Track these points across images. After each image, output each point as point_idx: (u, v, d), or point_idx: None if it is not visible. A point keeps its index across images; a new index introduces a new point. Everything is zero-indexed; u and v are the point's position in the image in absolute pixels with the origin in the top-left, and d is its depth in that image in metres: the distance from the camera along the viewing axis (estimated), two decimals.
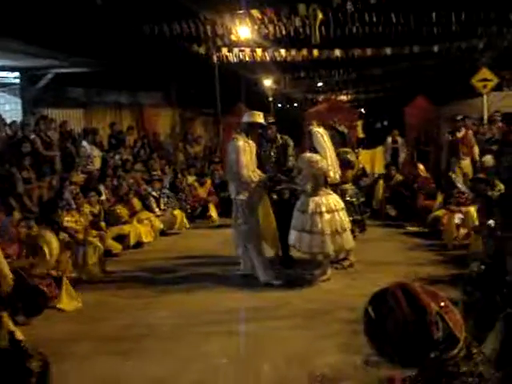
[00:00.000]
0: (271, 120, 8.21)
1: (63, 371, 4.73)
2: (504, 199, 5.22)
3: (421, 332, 1.97)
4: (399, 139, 15.25)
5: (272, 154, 8.07)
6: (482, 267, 5.09)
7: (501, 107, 14.84)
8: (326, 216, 6.99)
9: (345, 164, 7.97)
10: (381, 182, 12.53)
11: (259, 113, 7.51)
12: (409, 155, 14.69)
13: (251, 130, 7.40)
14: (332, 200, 7.13)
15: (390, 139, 15.31)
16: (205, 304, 6.50)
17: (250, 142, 7.31)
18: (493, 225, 5.41)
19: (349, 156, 8.10)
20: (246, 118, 7.44)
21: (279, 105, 38.30)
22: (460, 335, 1.99)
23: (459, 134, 11.82)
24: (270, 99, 32.83)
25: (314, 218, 6.98)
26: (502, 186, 7.95)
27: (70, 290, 6.76)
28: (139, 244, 10.05)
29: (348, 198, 8.01)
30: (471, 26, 15.52)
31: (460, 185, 9.34)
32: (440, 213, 9.66)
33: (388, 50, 17.90)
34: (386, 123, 27.06)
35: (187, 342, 5.34)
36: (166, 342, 5.36)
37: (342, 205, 7.24)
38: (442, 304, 2.05)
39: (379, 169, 15.29)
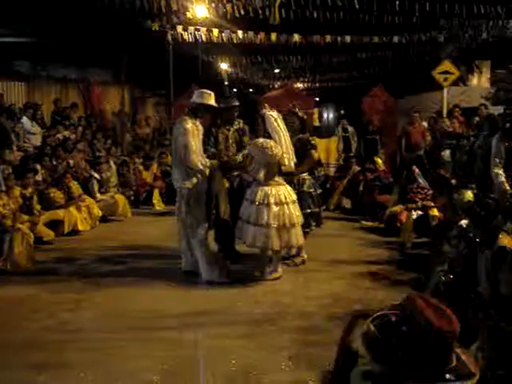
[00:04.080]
0: (236, 103, 7.54)
1: None
2: (478, 206, 4.68)
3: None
4: (349, 128, 14.91)
5: (230, 137, 7.42)
6: (451, 277, 4.59)
7: (460, 102, 14.60)
8: (274, 208, 6.38)
9: (313, 147, 7.44)
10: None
11: (211, 93, 6.78)
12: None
13: (201, 112, 6.70)
14: (283, 191, 6.52)
15: (340, 128, 15.02)
16: (140, 305, 5.79)
17: (198, 124, 6.63)
18: (465, 226, 4.88)
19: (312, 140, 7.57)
20: (197, 99, 6.70)
21: (235, 89, 37.57)
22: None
23: None
24: (226, 83, 32.10)
25: (260, 210, 6.38)
26: (469, 194, 7.43)
27: None
28: (75, 231, 9.26)
29: (305, 189, 7.43)
30: (433, 17, 15.19)
31: (421, 179, 8.88)
32: (397, 208, 9.20)
33: (348, 38, 17.47)
34: (342, 112, 26.86)
35: (115, 352, 4.62)
36: (91, 352, 4.62)
37: (294, 197, 6.63)
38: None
39: (334, 158, 14.95)
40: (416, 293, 2.00)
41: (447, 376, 1.75)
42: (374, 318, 1.93)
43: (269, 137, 6.52)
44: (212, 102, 6.73)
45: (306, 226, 7.01)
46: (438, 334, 1.73)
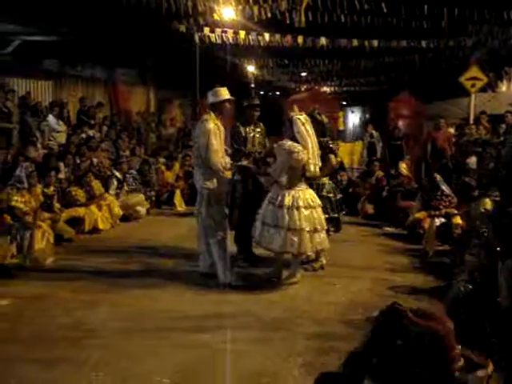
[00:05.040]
0: (255, 102, 7.50)
1: None
2: (500, 214, 4.57)
3: None
4: (374, 133, 14.80)
5: (257, 136, 7.39)
6: (470, 287, 4.47)
7: (487, 108, 14.37)
8: (305, 212, 6.28)
9: (331, 152, 7.30)
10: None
11: (224, 88, 6.72)
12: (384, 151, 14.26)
13: (221, 109, 6.65)
14: (309, 195, 6.44)
15: (367, 134, 14.95)
16: (156, 306, 5.76)
17: (220, 125, 6.58)
18: (486, 234, 4.78)
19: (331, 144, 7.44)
20: (212, 98, 6.65)
21: (261, 92, 37.52)
22: None
23: None
24: (252, 85, 32.09)
25: (291, 214, 6.25)
26: (486, 202, 7.27)
27: None
28: (95, 230, 9.28)
29: (325, 194, 7.32)
30: (462, 23, 14.97)
31: (445, 187, 8.74)
32: (420, 215, 9.08)
33: (375, 42, 17.31)
34: (367, 116, 26.73)
35: (127, 352, 4.59)
36: (103, 351, 4.60)
37: (319, 202, 6.55)
38: None
39: (358, 162, 14.87)
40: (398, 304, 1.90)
41: (456, 374, 1.68)
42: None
43: (295, 141, 6.36)
44: (227, 96, 6.67)
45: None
46: (432, 335, 1.65)
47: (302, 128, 6.38)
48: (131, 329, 5.13)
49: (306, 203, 6.34)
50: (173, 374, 4.22)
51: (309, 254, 6.51)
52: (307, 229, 6.27)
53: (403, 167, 11.79)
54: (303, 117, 6.51)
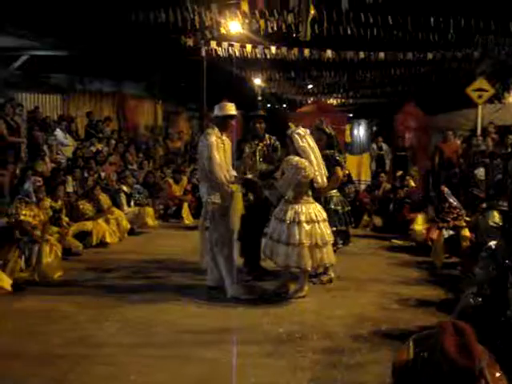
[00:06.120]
0: (258, 113, 7.47)
1: None
2: (508, 226, 4.55)
3: None
4: (384, 146, 14.78)
5: (258, 152, 7.27)
6: (479, 299, 4.44)
7: (495, 120, 14.34)
8: (306, 227, 6.25)
9: (338, 164, 7.23)
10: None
11: (231, 104, 6.73)
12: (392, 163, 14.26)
13: (225, 124, 6.66)
14: (313, 209, 6.39)
15: (375, 146, 14.92)
16: (163, 320, 5.73)
17: (224, 138, 6.59)
18: (494, 247, 4.74)
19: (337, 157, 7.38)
20: (217, 112, 6.67)
21: (268, 105, 37.62)
22: None
23: None
24: (259, 98, 32.23)
25: (291, 228, 6.25)
26: (495, 214, 7.21)
27: None
28: (103, 243, 9.29)
29: (332, 206, 7.27)
30: (468, 34, 14.98)
31: (452, 199, 8.70)
32: (426, 226, 9.07)
33: (381, 55, 17.37)
34: (374, 129, 26.70)
35: (135, 367, 4.56)
36: (110, 367, 4.57)
37: (325, 216, 6.50)
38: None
39: (366, 175, 14.85)
40: (451, 320, 1.88)
41: None
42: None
43: (299, 155, 6.33)
44: (231, 111, 6.66)
45: (332, 244, 6.86)
46: (453, 367, 1.61)
47: (301, 143, 6.35)
48: (139, 343, 5.11)
49: (308, 218, 6.30)
50: None
51: (309, 269, 6.43)
52: (307, 244, 6.23)
53: (410, 180, 11.75)
54: (302, 130, 6.50)
